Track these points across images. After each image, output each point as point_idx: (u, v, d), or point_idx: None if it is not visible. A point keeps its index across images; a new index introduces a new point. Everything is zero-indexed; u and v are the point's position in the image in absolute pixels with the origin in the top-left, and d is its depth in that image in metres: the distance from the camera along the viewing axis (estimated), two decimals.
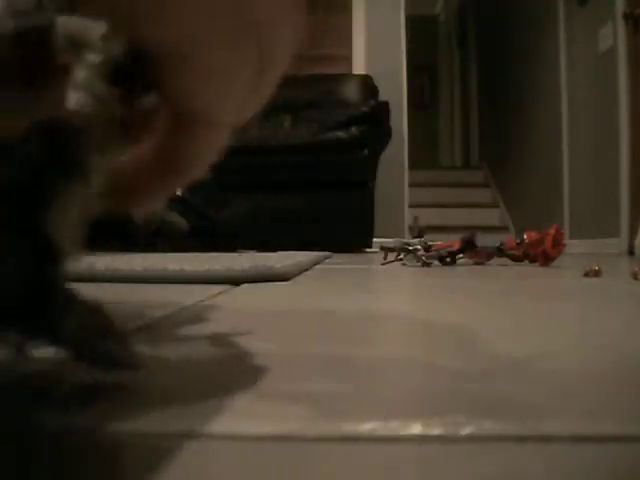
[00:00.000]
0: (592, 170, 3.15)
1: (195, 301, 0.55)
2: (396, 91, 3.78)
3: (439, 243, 1.31)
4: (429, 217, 4.44)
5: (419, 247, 1.26)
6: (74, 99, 0.21)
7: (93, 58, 0.21)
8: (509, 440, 0.17)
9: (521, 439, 0.17)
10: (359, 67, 3.90)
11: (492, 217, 4.79)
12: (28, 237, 0.20)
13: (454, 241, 1.30)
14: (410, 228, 3.92)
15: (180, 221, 1.95)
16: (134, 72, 0.21)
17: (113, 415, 0.20)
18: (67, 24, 0.21)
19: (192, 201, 2.05)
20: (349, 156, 2.93)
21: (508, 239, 1.34)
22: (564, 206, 3.48)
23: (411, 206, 3.98)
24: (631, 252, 2.55)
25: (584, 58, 3.21)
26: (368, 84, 3.54)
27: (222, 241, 2.00)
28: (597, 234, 3.07)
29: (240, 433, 0.18)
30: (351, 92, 3.49)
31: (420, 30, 6.29)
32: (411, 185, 3.98)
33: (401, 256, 1.30)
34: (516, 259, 1.30)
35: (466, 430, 0.18)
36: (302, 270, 1.02)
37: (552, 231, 1.22)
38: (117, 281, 0.77)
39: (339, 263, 1.54)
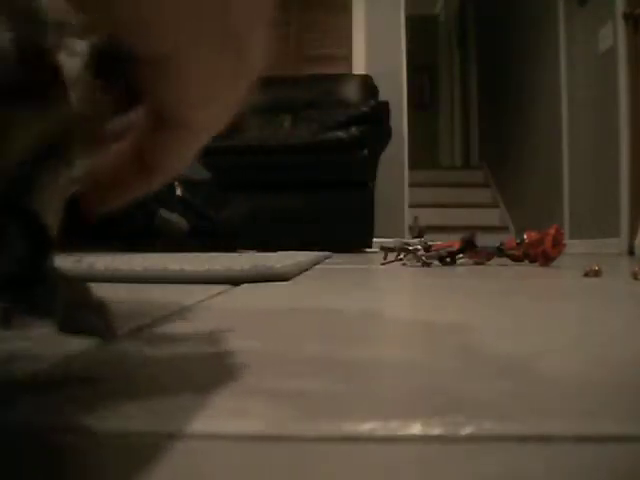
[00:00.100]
0: (592, 170, 3.15)
1: (195, 301, 0.55)
2: (396, 91, 3.78)
3: (439, 243, 1.31)
4: (429, 217, 4.44)
5: (419, 247, 1.26)
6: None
7: (79, 47, 0.21)
8: (509, 440, 0.17)
9: (521, 439, 0.17)
10: (359, 67, 3.90)
11: (492, 217, 4.79)
12: (18, 217, 0.21)
13: (454, 241, 1.30)
14: (410, 228, 3.93)
15: (180, 221, 1.95)
16: (117, 70, 0.22)
17: (102, 414, 0.20)
18: (52, 8, 0.21)
19: (192, 201, 2.05)
20: (349, 156, 2.93)
21: (508, 239, 1.34)
22: (564, 206, 3.48)
23: (411, 206, 3.98)
24: (631, 252, 2.55)
25: (584, 58, 3.21)
26: (368, 84, 3.54)
27: (222, 241, 2.00)
28: (597, 234, 3.07)
29: (240, 433, 0.18)
30: (351, 92, 3.49)
31: (420, 30, 6.29)
32: (411, 185, 3.98)
33: (401, 256, 1.30)
34: (516, 259, 1.30)
35: (466, 430, 0.18)
36: (302, 270, 1.02)
37: (552, 231, 1.22)
38: (117, 281, 0.77)
39: (339, 263, 1.54)
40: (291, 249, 1.95)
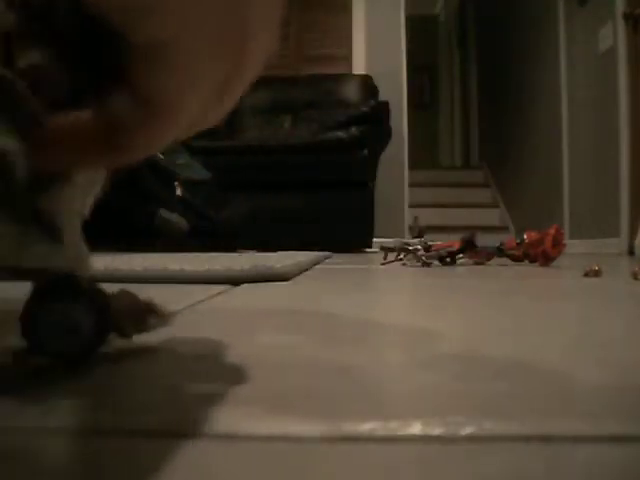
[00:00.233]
0: (592, 170, 3.15)
1: (195, 301, 0.55)
2: (396, 91, 3.78)
3: (439, 243, 1.31)
4: (429, 217, 4.44)
5: (419, 247, 1.26)
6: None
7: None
8: (509, 440, 0.17)
9: (521, 439, 0.17)
10: (359, 67, 3.90)
11: (492, 217, 4.79)
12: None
13: (454, 241, 1.30)
14: (410, 228, 3.93)
15: (180, 221, 1.95)
16: (96, 52, 0.22)
17: (100, 413, 0.20)
18: None
19: (192, 201, 2.05)
20: (349, 156, 2.93)
21: (508, 239, 1.34)
22: (564, 206, 3.48)
23: (411, 206, 3.98)
24: (631, 252, 2.55)
25: (584, 58, 3.21)
26: (368, 84, 3.54)
27: (222, 241, 2.00)
28: (597, 234, 3.07)
29: (240, 433, 0.18)
30: (351, 92, 3.49)
31: (420, 30, 6.29)
32: (411, 185, 3.98)
33: (401, 256, 1.30)
34: (516, 259, 1.30)
35: (466, 430, 0.18)
36: (302, 270, 1.02)
37: (552, 231, 1.22)
38: (117, 281, 0.77)
39: (339, 263, 1.54)
40: (291, 249, 1.95)
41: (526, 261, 1.29)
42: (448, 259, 1.28)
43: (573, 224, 3.38)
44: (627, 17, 2.71)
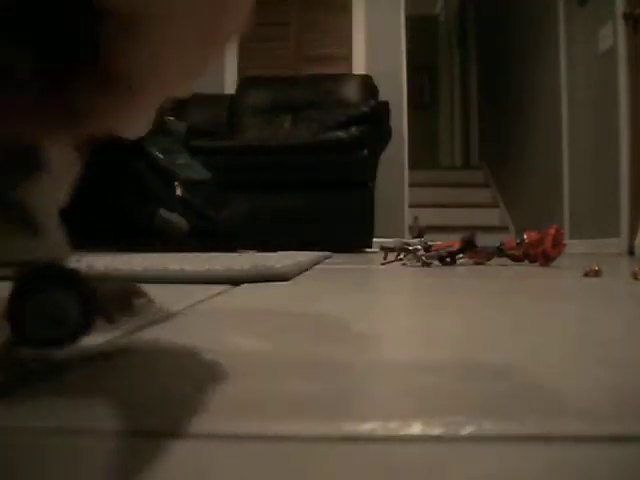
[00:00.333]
0: (592, 170, 3.15)
1: (195, 301, 0.55)
2: (396, 91, 3.78)
3: (439, 243, 1.31)
4: (429, 217, 4.43)
5: (419, 247, 1.26)
6: None
7: None
8: (509, 440, 0.17)
9: (521, 439, 0.17)
10: (359, 67, 3.90)
11: (492, 217, 4.79)
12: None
13: (454, 241, 1.30)
14: (410, 228, 3.92)
15: (180, 221, 1.95)
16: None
17: (91, 415, 0.20)
18: None
19: (192, 201, 2.05)
20: (349, 156, 2.93)
21: (508, 239, 1.34)
22: (564, 206, 3.48)
23: (411, 206, 3.98)
24: (631, 252, 2.55)
25: (584, 58, 3.21)
26: (368, 84, 3.54)
27: (222, 241, 2.00)
28: (597, 234, 3.07)
29: (240, 433, 0.18)
30: (351, 92, 3.49)
31: (420, 30, 6.29)
32: (411, 185, 3.98)
33: (401, 256, 1.30)
34: (516, 259, 1.30)
35: (466, 430, 0.18)
36: (302, 270, 1.02)
37: (552, 231, 1.22)
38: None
39: (339, 263, 1.54)
40: (291, 249, 1.95)
41: (526, 261, 1.29)
42: (448, 259, 1.28)
43: (573, 224, 3.38)
44: (627, 17, 2.70)
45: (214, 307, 0.54)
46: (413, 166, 4.12)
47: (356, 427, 0.18)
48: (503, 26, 4.82)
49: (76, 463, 0.16)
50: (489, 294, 0.67)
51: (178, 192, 2.02)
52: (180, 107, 3.44)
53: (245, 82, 3.69)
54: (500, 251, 1.31)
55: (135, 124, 0.24)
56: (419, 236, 3.58)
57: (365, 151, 2.95)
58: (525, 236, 1.28)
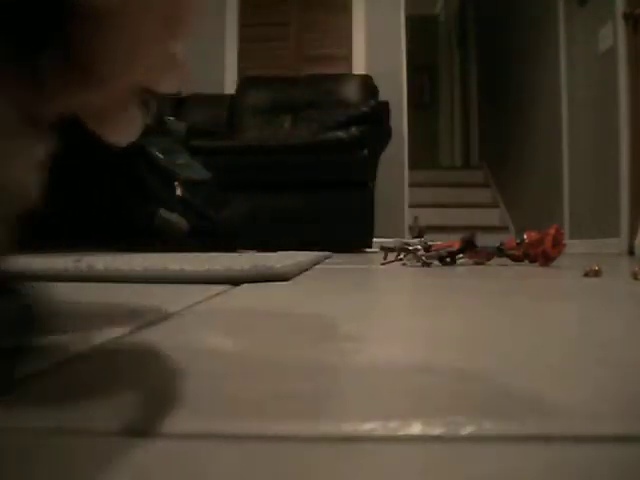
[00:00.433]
0: (592, 170, 3.15)
1: (194, 301, 0.55)
2: (396, 91, 3.78)
3: (439, 243, 1.31)
4: (429, 217, 4.44)
5: (419, 247, 1.26)
6: None
7: None
8: (509, 440, 0.17)
9: (521, 439, 0.17)
10: (359, 67, 3.90)
11: (492, 217, 4.79)
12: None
13: (454, 241, 1.30)
14: (410, 228, 3.93)
15: (180, 221, 1.95)
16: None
17: (93, 413, 0.20)
18: None
19: (192, 201, 2.05)
20: (349, 156, 2.93)
21: (508, 239, 1.34)
22: (564, 206, 3.48)
23: (411, 206, 3.98)
24: (631, 252, 2.55)
25: (584, 58, 3.21)
26: (368, 84, 3.54)
27: (222, 241, 2.00)
28: (597, 234, 3.07)
29: (240, 433, 0.18)
30: (351, 92, 3.49)
31: (420, 30, 6.29)
32: (411, 185, 3.98)
33: (401, 256, 1.30)
34: (516, 259, 1.30)
35: (466, 430, 0.18)
36: (302, 270, 1.02)
37: (552, 231, 1.22)
38: (117, 281, 0.77)
39: (339, 263, 1.54)
40: (291, 249, 1.95)
41: (526, 261, 1.29)
42: (448, 259, 1.28)
43: (573, 224, 3.38)
44: (627, 17, 2.71)
45: (213, 307, 0.54)
46: (413, 166, 4.12)
47: (356, 427, 0.18)
48: (503, 26, 4.82)
49: (68, 463, 0.16)
50: (489, 294, 0.67)
51: (178, 192, 2.02)
52: (180, 107, 3.45)
53: (245, 82, 3.69)
54: (500, 251, 1.31)
55: (120, 124, 0.24)
56: (419, 236, 3.58)
57: (365, 151, 2.95)
58: (525, 236, 1.28)
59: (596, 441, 0.17)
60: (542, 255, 1.23)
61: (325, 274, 1.07)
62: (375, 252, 2.42)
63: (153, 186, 1.94)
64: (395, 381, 0.25)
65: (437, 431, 0.18)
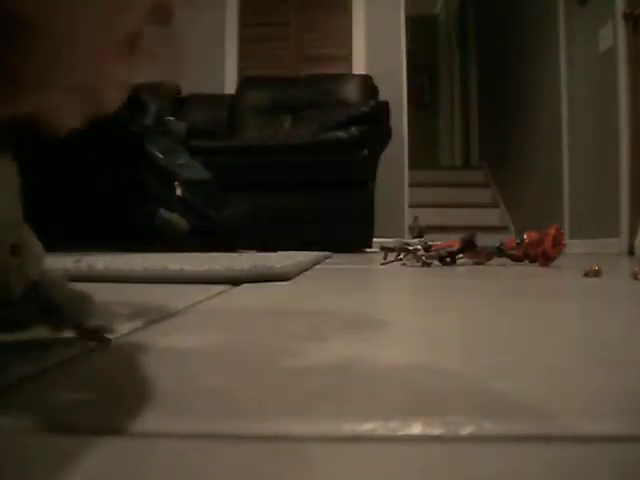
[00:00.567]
0: (592, 170, 3.15)
1: (195, 301, 0.55)
2: (396, 91, 3.78)
3: (439, 243, 1.31)
4: (429, 217, 4.43)
5: (419, 247, 1.26)
6: None
7: None
8: (509, 440, 0.17)
9: (521, 439, 0.17)
10: (359, 67, 3.90)
11: (492, 217, 4.79)
12: None
13: (454, 241, 1.30)
14: (410, 228, 3.92)
15: (180, 221, 1.95)
16: None
17: (90, 413, 0.20)
18: None
19: (192, 201, 2.05)
20: (349, 156, 2.93)
21: (508, 239, 1.34)
22: (564, 206, 3.48)
23: (411, 206, 3.98)
24: (631, 252, 2.55)
25: (584, 58, 3.21)
26: (368, 84, 3.54)
27: (222, 241, 2.00)
28: (597, 234, 3.07)
29: (240, 433, 0.18)
30: (351, 92, 3.49)
31: (420, 30, 6.29)
32: (411, 185, 3.98)
33: (401, 256, 1.30)
34: (516, 259, 1.30)
35: (466, 430, 0.18)
36: (302, 270, 1.02)
37: (552, 231, 1.22)
38: (117, 281, 0.77)
39: (339, 263, 1.54)
40: (291, 249, 1.95)
41: (526, 261, 1.29)
42: (448, 259, 1.28)
43: (573, 224, 3.38)
44: (627, 17, 2.70)
45: (214, 307, 0.54)
46: (413, 166, 4.12)
47: (356, 427, 0.18)
48: (503, 26, 4.82)
49: (67, 463, 0.16)
50: (489, 294, 0.67)
51: (178, 192, 2.02)
52: (180, 107, 3.45)
53: (245, 82, 3.69)
54: (500, 251, 1.31)
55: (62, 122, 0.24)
56: (419, 236, 3.58)
57: (365, 151, 2.95)
58: (525, 236, 1.28)
59: (596, 441, 0.17)
60: (542, 255, 1.23)
61: (325, 274, 1.07)
62: (375, 252, 2.42)
63: (153, 186, 1.94)
64: (395, 381, 0.25)
65: (437, 431, 0.18)
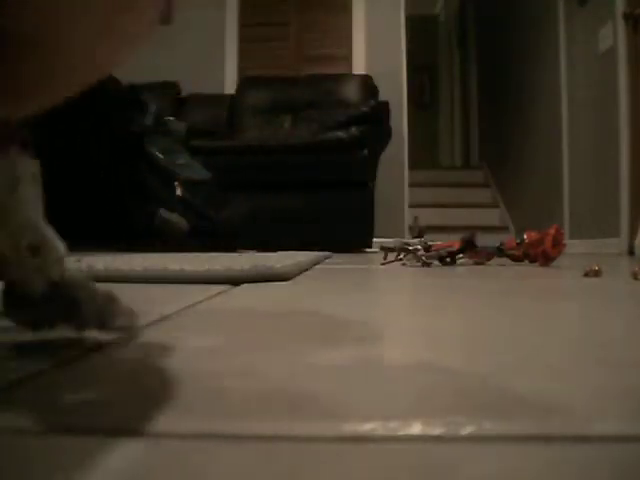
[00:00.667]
0: (592, 170, 3.15)
1: (194, 301, 0.55)
2: (396, 91, 3.78)
3: (439, 243, 1.31)
4: (429, 217, 4.43)
5: (419, 247, 1.26)
6: None
7: None
8: (509, 440, 0.17)
9: (521, 439, 0.17)
10: (359, 67, 3.90)
11: (492, 217, 4.79)
12: None
13: (454, 241, 1.30)
14: (410, 228, 3.92)
15: (180, 221, 1.95)
16: None
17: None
18: None
19: (192, 201, 2.05)
20: (349, 156, 2.93)
21: (508, 239, 1.34)
22: (564, 206, 3.48)
23: (411, 206, 3.98)
24: (631, 252, 2.55)
25: (584, 58, 3.21)
26: (368, 84, 3.54)
27: (222, 241, 2.00)
28: (597, 234, 3.07)
29: (240, 433, 0.18)
30: (351, 92, 3.49)
31: (420, 30, 6.29)
32: (411, 185, 3.98)
33: (401, 256, 1.30)
34: (516, 259, 1.30)
35: (466, 430, 0.18)
36: (302, 270, 1.02)
37: (552, 231, 1.22)
38: (117, 281, 0.77)
39: (339, 263, 1.54)
40: (291, 249, 1.95)
41: (526, 261, 1.29)
42: (448, 259, 1.28)
43: (573, 224, 3.38)
44: (627, 17, 2.70)
45: (214, 307, 0.54)
46: (413, 166, 4.12)
47: (356, 427, 0.18)
48: (503, 26, 4.82)
49: (67, 463, 0.16)
50: (489, 294, 0.67)
51: (178, 192, 2.02)
52: (180, 107, 3.45)
53: (245, 82, 3.69)
54: (500, 251, 1.31)
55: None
56: (419, 236, 3.58)
57: (365, 151, 2.95)
58: (525, 236, 1.28)
59: (596, 441, 0.17)
60: (542, 255, 1.23)
61: (325, 274, 1.07)
62: (375, 252, 2.42)
63: (153, 186, 1.94)
64: (395, 381, 0.25)
65: (437, 431, 0.18)
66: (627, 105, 2.76)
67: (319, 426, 0.18)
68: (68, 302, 0.29)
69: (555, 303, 0.59)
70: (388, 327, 0.43)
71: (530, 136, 4.12)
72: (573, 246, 3.02)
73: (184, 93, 3.62)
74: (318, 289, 0.75)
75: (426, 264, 1.21)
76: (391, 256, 1.33)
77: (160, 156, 1.97)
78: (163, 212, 1.91)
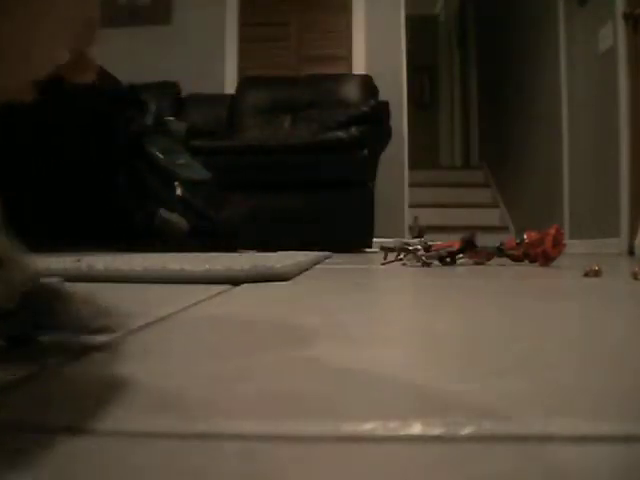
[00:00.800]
0: (592, 170, 3.15)
1: (194, 301, 0.55)
2: (396, 91, 3.78)
3: (439, 243, 1.31)
4: (429, 217, 4.43)
5: (419, 247, 1.26)
6: None
7: None
8: (509, 440, 0.17)
9: (521, 439, 0.17)
10: (359, 67, 3.90)
11: (492, 217, 4.79)
12: None
13: (454, 241, 1.30)
14: (410, 228, 3.92)
15: (180, 221, 1.95)
16: None
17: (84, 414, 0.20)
18: None
19: (192, 201, 2.05)
20: (349, 156, 2.93)
21: (508, 239, 1.34)
22: (564, 206, 3.48)
23: (411, 206, 3.98)
24: (631, 252, 2.55)
25: (584, 58, 3.21)
26: (368, 84, 3.54)
27: (222, 241, 2.00)
28: (597, 234, 3.07)
29: (240, 433, 0.18)
30: (351, 92, 3.49)
31: (420, 30, 6.29)
32: (411, 185, 3.98)
33: (401, 256, 1.30)
34: (516, 259, 1.30)
35: (466, 430, 0.18)
36: (302, 270, 1.02)
37: (552, 231, 1.22)
38: (117, 281, 0.77)
39: (339, 263, 1.54)
40: (291, 249, 1.95)
41: (526, 261, 1.28)
42: (448, 259, 1.28)
43: (573, 224, 3.38)
44: (627, 17, 2.70)
45: (213, 307, 0.54)
46: (413, 166, 4.12)
47: (356, 427, 0.18)
48: (503, 26, 4.82)
49: (67, 463, 0.16)
50: (489, 294, 0.67)
51: (178, 192, 2.02)
52: (180, 107, 3.45)
53: (245, 82, 3.69)
54: (500, 251, 1.31)
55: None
56: (419, 236, 3.58)
57: (365, 151, 2.95)
58: (525, 236, 1.28)
59: (596, 441, 0.17)
60: (542, 255, 1.23)
61: (325, 274, 1.07)
62: (375, 252, 2.42)
63: (153, 186, 1.94)
64: (395, 381, 0.25)
65: (437, 431, 0.18)
66: (627, 105, 2.76)
67: (319, 426, 0.18)
68: (42, 310, 0.29)
69: (555, 303, 0.59)
70: (388, 327, 0.43)
71: (530, 136, 4.12)
72: (573, 246, 3.02)
73: (184, 93, 3.62)
74: (318, 289, 0.75)
75: (426, 264, 1.21)
76: (391, 256, 1.33)
77: (160, 156, 1.97)
78: (163, 212, 1.90)
